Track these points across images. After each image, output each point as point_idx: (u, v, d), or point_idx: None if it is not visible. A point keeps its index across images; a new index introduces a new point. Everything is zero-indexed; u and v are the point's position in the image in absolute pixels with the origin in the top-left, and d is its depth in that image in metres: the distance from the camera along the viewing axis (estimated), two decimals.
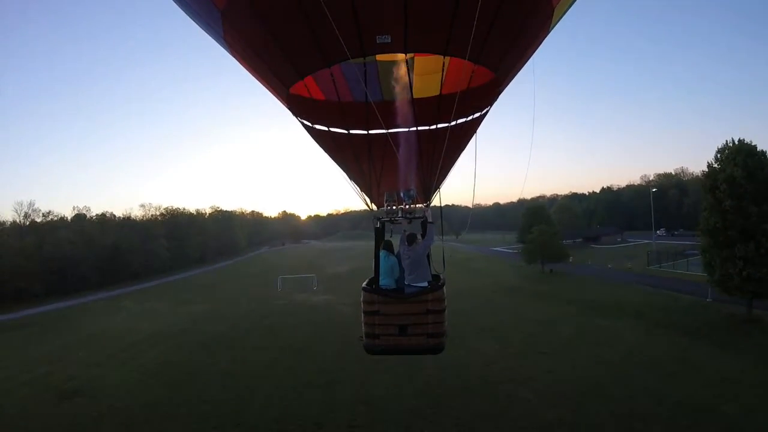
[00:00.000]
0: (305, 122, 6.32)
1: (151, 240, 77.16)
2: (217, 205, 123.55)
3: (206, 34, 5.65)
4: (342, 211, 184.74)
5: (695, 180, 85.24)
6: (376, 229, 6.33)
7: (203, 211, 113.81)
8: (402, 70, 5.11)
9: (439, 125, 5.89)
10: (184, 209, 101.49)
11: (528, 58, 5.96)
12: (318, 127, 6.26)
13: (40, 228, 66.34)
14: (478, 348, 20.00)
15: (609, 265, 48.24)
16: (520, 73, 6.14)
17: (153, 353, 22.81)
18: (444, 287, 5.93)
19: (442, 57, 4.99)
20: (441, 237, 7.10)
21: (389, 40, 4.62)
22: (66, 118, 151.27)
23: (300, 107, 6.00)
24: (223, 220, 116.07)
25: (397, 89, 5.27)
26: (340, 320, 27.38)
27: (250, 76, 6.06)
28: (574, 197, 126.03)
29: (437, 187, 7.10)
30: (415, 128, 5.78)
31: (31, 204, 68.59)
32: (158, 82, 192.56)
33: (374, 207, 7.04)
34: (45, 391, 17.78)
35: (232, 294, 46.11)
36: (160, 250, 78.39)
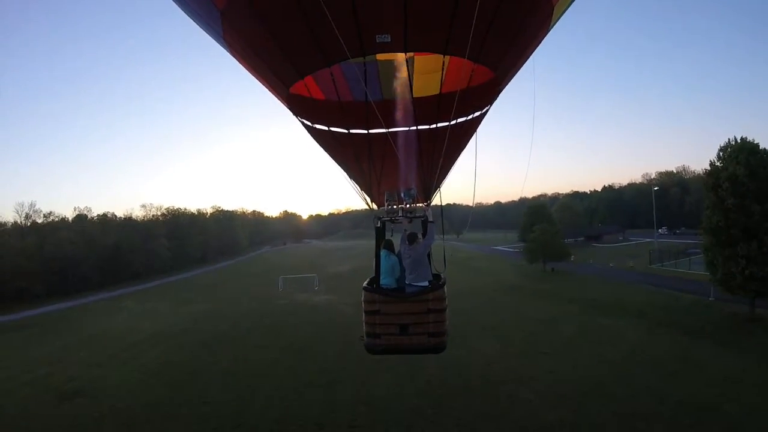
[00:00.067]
0: (305, 122, 6.31)
1: (152, 240, 77.23)
2: (218, 205, 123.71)
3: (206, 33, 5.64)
4: (343, 211, 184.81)
5: (697, 178, 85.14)
6: (377, 229, 6.32)
7: (204, 211, 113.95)
8: (402, 69, 5.09)
9: (439, 124, 5.88)
10: (185, 209, 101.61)
11: (528, 57, 5.94)
12: (318, 126, 6.25)
13: (41, 228, 66.47)
14: (480, 347, 19.98)
15: (611, 264, 48.20)
16: (520, 71, 6.12)
17: (154, 353, 22.84)
18: (445, 286, 5.92)
19: (442, 56, 4.98)
20: (442, 236, 7.08)
21: (389, 40, 4.60)
22: (66, 119, 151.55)
23: (300, 107, 5.99)
24: (224, 219, 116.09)
25: (397, 88, 5.26)
26: (341, 320, 27.37)
27: (251, 75, 6.05)
28: (576, 196, 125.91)
29: (438, 186, 7.08)
30: (415, 127, 5.76)
31: (32, 205, 68.83)
32: (159, 82, 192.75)
33: (375, 206, 7.03)
34: (46, 392, 17.81)
35: (234, 294, 46.15)
36: (161, 250, 78.47)
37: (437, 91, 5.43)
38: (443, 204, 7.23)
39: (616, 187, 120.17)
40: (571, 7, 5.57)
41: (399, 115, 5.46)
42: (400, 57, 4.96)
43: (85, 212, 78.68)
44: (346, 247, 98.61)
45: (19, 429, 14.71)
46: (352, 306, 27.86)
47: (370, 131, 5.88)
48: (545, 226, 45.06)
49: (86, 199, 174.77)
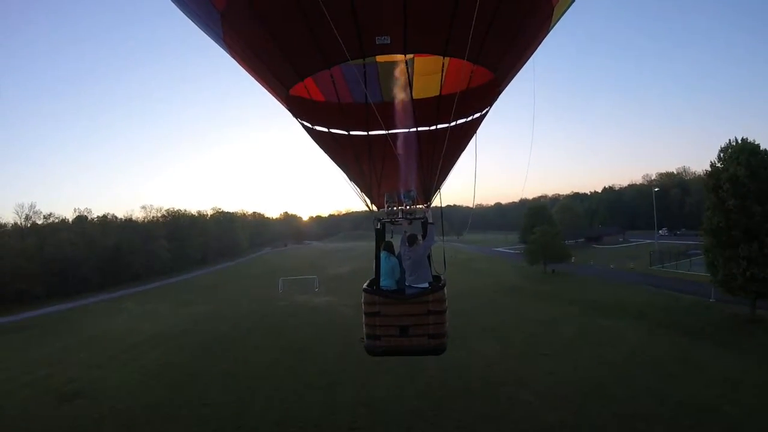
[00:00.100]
0: (305, 123, 6.31)
1: (153, 241, 77.23)
2: (218, 207, 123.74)
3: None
4: (344, 212, 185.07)
5: (697, 179, 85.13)
6: (377, 230, 6.31)
7: (205, 213, 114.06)
8: (402, 70, 5.09)
9: (439, 126, 5.87)
10: (185, 210, 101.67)
11: (528, 58, 5.93)
12: (318, 128, 6.24)
13: (41, 230, 66.46)
14: (480, 349, 19.96)
15: (611, 266, 48.18)
16: (520, 72, 6.12)
17: (154, 354, 22.83)
18: (445, 288, 5.91)
19: (442, 57, 4.97)
20: (442, 237, 7.08)
21: (389, 41, 4.60)
22: (67, 120, 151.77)
23: (300, 108, 5.99)
24: (224, 221, 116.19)
25: (397, 90, 5.25)
26: (341, 321, 27.37)
27: (251, 76, 6.05)
28: (576, 197, 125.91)
29: (437, 187, 7.07)
30: (415, 129, 5.76)
31: (32, 206, 68.79)
32: (159, 83, 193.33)
33: (375, 208, 7.02)
34: (45, 393, 17.81)
35: (234, 295, 46.14)
36: (162, 251, 78.46)
37: (437, 93, 5.43)
38: (443, 205, 7.23)
39: (617, 189, 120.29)
40: (571, 7, 5.57)
41: (399, 116, 5.46)
42: (400, 58, 4.95)
43: (85, 213, 78.86)
44: (347, 248, 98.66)
45: (18, 430, 14.70)
46: (352, 307, 27.82)
47: (370, 133, 5.88)
48: (546, 228, 45.06)
49: (86, 200, 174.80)
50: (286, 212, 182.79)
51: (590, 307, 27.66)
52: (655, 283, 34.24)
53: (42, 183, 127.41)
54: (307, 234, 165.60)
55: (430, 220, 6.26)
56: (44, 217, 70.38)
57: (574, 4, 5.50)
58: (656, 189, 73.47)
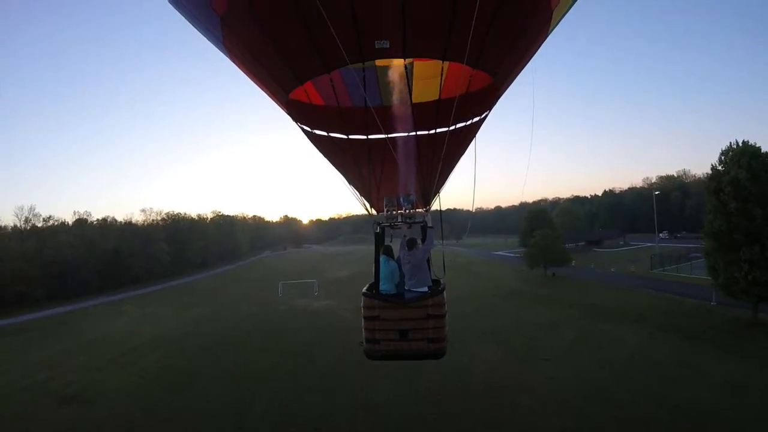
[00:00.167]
0: (305, 127, 6.31)
1: (153, 244, 77.14)
2: (218, 210, 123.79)
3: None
4: (343, 216, 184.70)
5: (697, 182, 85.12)
6: (376, 234, 6.31)
7: (205, 216, 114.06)
8: (401, 75, 5.10)
9: (439, 130, 5.87)
10: (185, 214, 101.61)
11: (527, 62, 5.94)
12: (318, 132, 6.25)
13: (41, 232, 66.38)
14: (480, 353, 19.90)
15: (612, 269, 48.09)
16: (519, 75, 6.13)
17: (154, 357, 22.79)
18: (444, 292, 5.89)
19: (441, 62, 4.98)
20: (441, 241, 7.06)
21: (388, 46, 4.61)
22: (67, 123, 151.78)
23: (299, 113, 6.00)
24: (224, 224, 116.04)
25: (397, 94, 5.26)
26: (340, 325, 27.32)
27: (251, 81, 6.06)
28: (576, 200, 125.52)
29: (437, 191, 7.07)
30: (414, 133, 5.76)
31: (31, 209, 68.68)
32: (159, 87, 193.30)
33: (374, 212, 7.02)
34: (45, 396, 17.77)
35: (234, 299, 46.07)
36: (162, 254, 78.38)
37: (436, 97, 5.43)
38: (443, 209, 7.22)
39: (617, 192, 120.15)
40: (570, 11, 5.58)
41: (398, 120, 5.47)
42: (399, 63, 4.97)
43: (85, 216, 78.75)
44: (346, 252, 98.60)
45: None
46: (352, 311, 27.77)
47: (370, 137, 5.88)
48: (546, 231, 45.02)
49: (86, 203, 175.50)
50: (286, 216, 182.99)
51: (591, 311, 27.60)
52: (656, 287, 34.16)
53: (42, 186, 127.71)
54: (307, 237, 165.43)
55: (430, 224, 6.24)
56: (44, 220, 70.37)
57: (572, 7, 5.51)
58: (657, 192, 73.49)
